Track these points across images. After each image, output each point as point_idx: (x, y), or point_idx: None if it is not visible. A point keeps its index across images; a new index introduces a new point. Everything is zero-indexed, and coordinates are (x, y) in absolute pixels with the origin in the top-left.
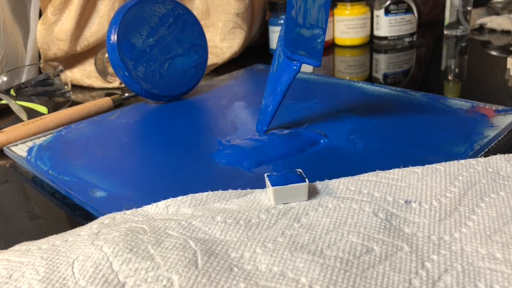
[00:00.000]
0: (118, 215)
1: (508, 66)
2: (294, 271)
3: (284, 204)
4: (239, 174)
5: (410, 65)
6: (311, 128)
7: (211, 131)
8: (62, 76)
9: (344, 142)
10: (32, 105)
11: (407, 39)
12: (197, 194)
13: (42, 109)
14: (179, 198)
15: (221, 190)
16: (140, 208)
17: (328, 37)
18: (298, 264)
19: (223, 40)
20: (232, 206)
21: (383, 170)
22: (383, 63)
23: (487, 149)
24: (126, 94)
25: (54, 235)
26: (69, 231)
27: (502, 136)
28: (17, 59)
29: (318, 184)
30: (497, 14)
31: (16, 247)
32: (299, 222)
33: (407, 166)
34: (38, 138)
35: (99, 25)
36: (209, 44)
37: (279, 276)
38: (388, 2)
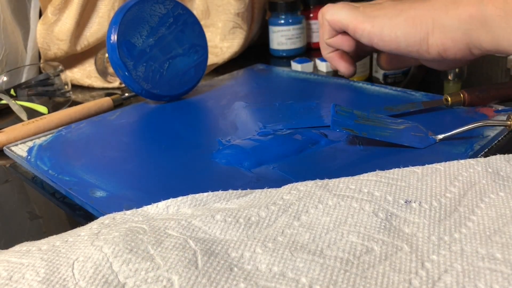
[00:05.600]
0: (118, 215)
1: (509, 66)
2: (294, 271)
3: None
4: (239, 174)
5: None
6: (311, 128)
7: (211, 131)
8: (62, 76)
9: (344, 142)
10: (32, 105)
11: None
12: (197, 195)
13: (42, 109)
14: (179, 198)
15: (221, 190)
16: (140, 208)
17: None
18: (298, 264)
19: (223, 40)
20: (232, 206)
21: (383, 170)
22: None
23: (487, 149)
24: (126, 94)
25: (54, 236)
26: (69, 231)
27: (502, 136)
28: (17, 59)
29: (318, 182)
30: None
31: (17, 247)
32: (299, 220)
33: (407, 166)
34: (38, 138)
35: (99, 25)
36: (209, 44)
37: (279, 276)
38: None
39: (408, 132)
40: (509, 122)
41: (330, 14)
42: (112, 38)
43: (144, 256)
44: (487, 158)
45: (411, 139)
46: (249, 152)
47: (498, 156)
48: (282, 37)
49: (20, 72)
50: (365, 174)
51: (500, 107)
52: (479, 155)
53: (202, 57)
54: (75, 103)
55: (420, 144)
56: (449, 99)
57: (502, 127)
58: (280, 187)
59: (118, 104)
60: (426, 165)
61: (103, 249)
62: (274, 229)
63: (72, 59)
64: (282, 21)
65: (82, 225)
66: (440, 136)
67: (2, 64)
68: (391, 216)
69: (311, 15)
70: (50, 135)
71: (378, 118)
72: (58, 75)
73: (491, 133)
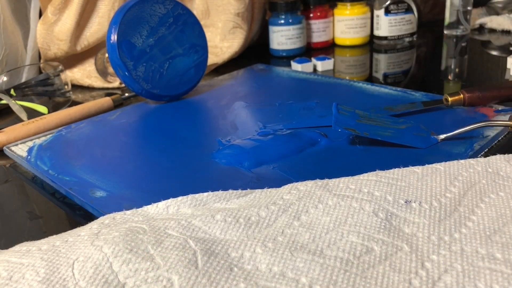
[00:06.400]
0: (118, 215)
1: (508, 66)
2: (294, 271)
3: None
4: (239, 174)
5: (410, 65)
6: (311, 128)
7: (211, 131)
8: (62, 76)
9: (344, 142)
10: (32, 105)
11: (407, 39)
12: (197, 195)
13: (42, 109)
14: (179, 198)
15: (221, 190)
16: (140, 208)
17: (328, 37)
18: (298, 264)
19: (223, 40)
20: (233, 206)
21: (383, 170)
22: (383, 63)
23: (487, 149)
24: (126, 94)
25: (54, 236)
26: (69, 231)
27: (502, 136)
28: (17, 59)
29: (318, 182)
30: (497, 14)
31: (17, 247)
32: (299, 220)
33: (408, 166)
34: (38, 138)
35: (99, 25)
36: (209, 44)
37: (279, 276)
38: (388, 2)
39: (410, 132)
40: (510, 122)
41: None
42: (112, 38)
43: (144, 256)
44: (487, 158)
45: (413, 139)
46: (249, 152)
47: (498, 156)
48: (282, 37)
49: (20, 72)
50: (365, 174)
51: (500, 107)
52: (479, 155)
53: (202, 57)
54: (75, 103)
55: (422, 144)
56: (449, 99)
57: (502, 127)
58: (280, 187)
59: (118, 104)
60: (426, 165)
61: (103, 249)
62: (274, 229)
63: (72, 59)
64: (282, 21)
65: (82, 225)
66: (442, 136)
67: (2, 64)
68: (391, 216)
69: (311, 15)
70: (50, 135)
71: (380, 117)
72: (58, 75)
73: (491, 133)
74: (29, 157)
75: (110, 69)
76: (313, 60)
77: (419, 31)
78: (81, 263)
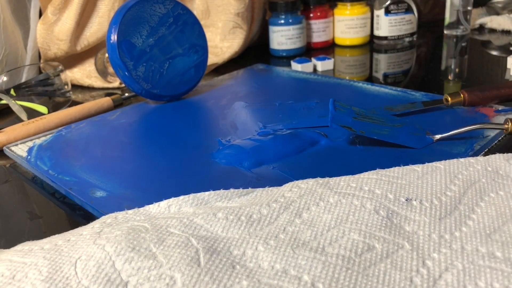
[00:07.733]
0: (120, 215)
1: (508, 66)
2: (296, 269)
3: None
4: (239, 174)
5: (410, 65)
6: (311, 128)
7: (211, 131)
8: (62, 76)
9: (344, 142)
10: (32, 105)
11: (407, 39)
12: (199, 194)
13: (42, 109)
14: (181, 197)
15: (222, 189)
16: (142, 208)
17: (328, 37)
18: (300, 261)
19: (223, 40)
20: (234, 204)
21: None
22: (383, 63)
23: (487, 149)
24: (126, 94)
25: (57, 235)
26: (71, 230)
27: (502, 136)
28: (17, 59)
29: (319, 180)
30: (497, 14)
31: (19, 247)
32: (301, 217)
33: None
34: (38, 138)
35: (99, 25)
36: (209, 44)
37: (281, 273)
38: (388, 2)
39: (405, 131)
40: (506, 126)
41: None
42: (112, 38)
43: (147, 254)
44: (487, 156)
45: (409, 138)
46: (249, 152)
47: (497, 155)
48: (282, 37)
49: (20, 72)
50: (366, 173)
51: (500, 107)
52: (479, 155)
53: (202, 57)
54: (75, 103)
55: (417, 144)
56: (449, 99)
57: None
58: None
59: (118, 104)
60: (426, 164)
61: (105, 248)
62: (275, 227)
63: (72, 59)
64: (282, 21)
65: (82, 225)
66: (437, 136)
67: (2, 64)
68: (392, 214)
69: (311, 15)
70: (50, 135)
71: (376, 115)
72: (58, 75)
73: (491, 133)
74: (29, 157)
75: (110, 69)
76: (313, 60)
77: (419, 31)
78: (84, 261)
